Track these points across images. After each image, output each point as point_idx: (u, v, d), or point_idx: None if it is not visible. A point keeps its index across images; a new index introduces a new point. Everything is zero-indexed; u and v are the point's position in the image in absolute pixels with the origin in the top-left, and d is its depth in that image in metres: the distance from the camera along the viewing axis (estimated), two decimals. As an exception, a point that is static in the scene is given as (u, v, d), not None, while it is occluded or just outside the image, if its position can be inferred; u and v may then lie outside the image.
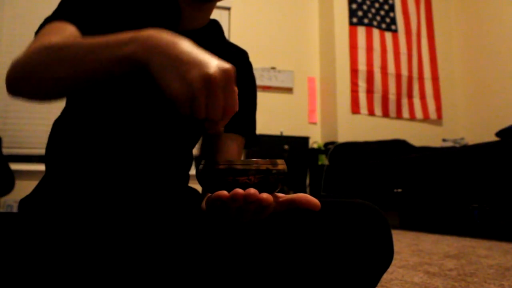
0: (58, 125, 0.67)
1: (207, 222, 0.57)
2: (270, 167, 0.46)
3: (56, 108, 3.41)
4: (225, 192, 0.43)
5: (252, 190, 0.42)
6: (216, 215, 0.48)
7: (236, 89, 0.45)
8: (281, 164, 0.48)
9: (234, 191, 0.42)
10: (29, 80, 0.52)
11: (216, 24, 0.77)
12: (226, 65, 0.44)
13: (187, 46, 0.45)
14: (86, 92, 0.64)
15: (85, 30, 0.63)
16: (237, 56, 0.80)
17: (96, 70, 0.49)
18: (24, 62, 0.53)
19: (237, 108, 0.46)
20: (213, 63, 0.44)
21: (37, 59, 0.52)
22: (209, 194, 0.48)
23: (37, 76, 0.52)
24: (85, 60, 0.49)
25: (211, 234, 0.56)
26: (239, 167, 0.45)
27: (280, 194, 0.49)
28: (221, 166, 0.45)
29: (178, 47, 0.45)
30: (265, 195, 0.42)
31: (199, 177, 0.48)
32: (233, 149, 0.74)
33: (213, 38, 0.76)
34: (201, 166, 0.48)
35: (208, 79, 0.42)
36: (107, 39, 0.49)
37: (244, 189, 0.43)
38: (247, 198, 0.42)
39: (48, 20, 0.62)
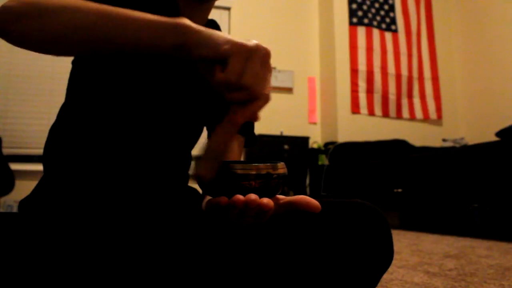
0: (57, 126, 0.67)
1: (207, 223, 0.57)
2: (270, 171, 0.45)
3: (56, 108, 3.41)
4: (224, 198, 0.42)
5: (253, 196, 0.42)
6: (216, 219, 0.48)
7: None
8: (281, 168, 0.47)
9: (234, 197, 0.42)
10: (40, 19, 0.44)
11: (214, 25, 0.77)
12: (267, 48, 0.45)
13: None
14: (86, 89, 0.64)
15: None
16: None
17: (137, 33, 0.44)
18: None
19: (270, 96, 0.45)
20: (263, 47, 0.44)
21: (53, 2, 0.45)
22: (209, 198, 0.48)
23: (53, 18, 0.44)
24: (125, 19, 0.44)
25: (211, 235, 0.56)
26: (240, 171, 0.44)
27: (280, 196, 0.49)
28: (222, 170, 0.45)
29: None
30: (265, 200, 0.42)
31: (199, 180, 0.48)
32: (233, 149, 0.74)
33: None
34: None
35: (261, 46, 0.43)
36: (145, 16, 0.45)
37: (244, 193, 0.43)
38: (248, 204, 0.41)
39: None
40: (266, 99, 0.44)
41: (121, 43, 0.45)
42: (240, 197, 0.42)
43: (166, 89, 0.66)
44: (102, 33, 0.44)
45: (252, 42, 0.43)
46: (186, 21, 0.45)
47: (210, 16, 0.77)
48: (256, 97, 0.43)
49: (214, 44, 0.43)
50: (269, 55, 0.44)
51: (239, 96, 0.42)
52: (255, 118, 0.44)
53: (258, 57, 0.42)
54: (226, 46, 0.42)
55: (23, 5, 0.45)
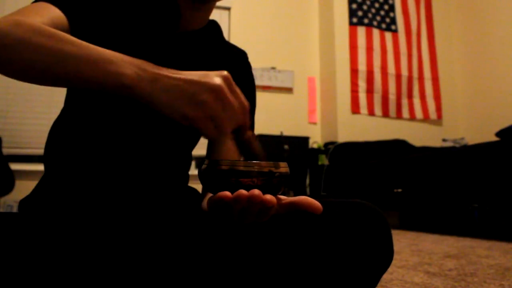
0: (56, 126, 0.67)
1: (207, 223, 0.57)
2: (272, 169, 0.46)
3: (56, 108, 3.41)
4: (228, 193, 0.43)
5: (256, 191, 0.42)
6: (218, 216, 0.48)
7: (238, 88, 0.46)
8: (283, 167, 0.47)
9: (238, 192, 0.42)
10: (6, 52, 0.46)
11: (215, 25, 0.77)
12: (222, 71, 0.45)
13: (179, 72, 0.45)
14: (83, 93, 0.64)
15: (74, 22, 0.59)
16: (236, 57, 0.80)
17: (81, 81, 0.46)
18: (6, 32, 0.47)
19: (247, 103, 0.47)
20: (212, 75, 0.45)
21: (15, 35, 0.46)
22: (211, 195, 0.48)
23: (16, 53, 0.46)
24: (74, 63, 0.45)
25: (211, 235, 0.56)
26: (242, 168, 0.44)
27: (282, 197, 0.49)
28: (224, 167, 0.45)
29: (173, 75, 0.45)
30: (268, 196, 0.42)
31: (201, 177, 0.48)
32: (234, 148, 0.74)
33: (212, 39, 0.76)
34: (204, 166, 0.48)
35: (217, 90, 0.43)
36: (96, 51, 0.46)
37: (247, 190, 0.43)
38: (251, 199, 0.42)
39: (37, 0, 0.58)
40: (246, 127, 0.48)
41: (72, 83, 0.47)
42: (244, 192, 0.42)
43: None
44: (53, 74, 0.46)
45: (214, 81, 0.44)
46: (127, 80, 0.44)
47: (211, 16, 0.77)
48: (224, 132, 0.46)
49: (166, 112, 0.45)
50: (228, 76, 0.45)
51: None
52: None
53: (228, 93, 0.44)
54: (178, 118, 0.44)
55: None
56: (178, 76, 0.45)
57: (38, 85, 0.51)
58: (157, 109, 0.45)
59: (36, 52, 0.46)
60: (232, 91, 0.45)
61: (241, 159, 0.52)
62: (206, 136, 0.46)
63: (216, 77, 0.44)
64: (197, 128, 0.44)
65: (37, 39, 0.46)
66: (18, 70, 0.47)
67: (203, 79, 0.44)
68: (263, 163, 0.46)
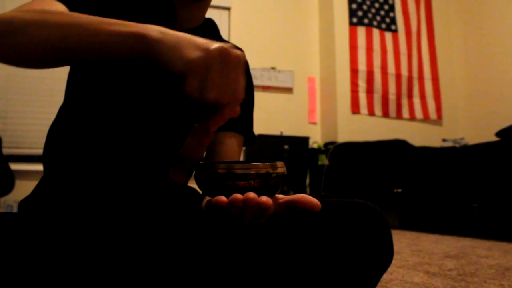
0: (55, 126, 0.67)
1: (207, 223, 0.57)
2: (270, 170, 0.45)
3: (56, 108, 3.41)
4: (223, 198, 0.42)
5: (252, 195, 0.42)
6: (216, 219, 0.48)
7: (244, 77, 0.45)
8: (280, 167, 0.47)
9: (233, 196, 0.42)
10: (13, 36, 0.46)
11: (211, 23, 0.77)
12: (238, 51, 0.44)
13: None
14: (82, 90, 0.64)
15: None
16: None
17: (100, 43, 0.46)
18: (11, 17, 0.47)
19: (242, 95, 0.46)
20: (228, 44, 0.44)
21: (28, 18, 0.47)
22: (208, 198, 0.48)
23: (25, 35, 0.46)
24: (90, 29, 0.45)
25: (211, 235, 0.56)
26: (239, 171, 0.44)
27: (280, 196, 0.49)
28: (221, 170, 0.44)
29: (189, 35, 0.45)
30: (264, 198, 0.42)
31: (198, 180, 0.48)
32: (233, 148, 0.74)
33: (209, 37, 0.76)
34: (200, 170, 0.47)
35: (224, 51, 0.43)
36: (112, 20, 0.46)
37: (243, 193, 0.43)
38: (247, 202, 0.41)
39: None
40: (233, 108, 0.45)
41: (86, 54, 0.47)
42: (239, 195, 0.42)
43: (161, 88, 0.66)
44: (66, 47, 0.46)
45: (214, 49, 0.43)
46: (148, 30, 0.45)
47: (211, 16, 0.77)
48: (222, 105, 0.44)
49: (170, 60, 0.44)
50: (241, 57, 0.44)
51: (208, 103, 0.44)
52: (232, 116, 0.46)
53: (217, 68, 0.43)
54: (179, 65, 0.43)
55: None
56: (196, 38, 0.45)
57: (53, 67, 0.51)
58: (173, 61, 0.43)
59: (50, 27, 0.46)
60: (237, 70, 0.44)
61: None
62: (187, 92, 0.44)
63: (230, 46, 0.44)
64: (186, 81, 0.43)
65: (47, 16, 0.47)
66: (33, 51, 0.47)
67: (218, 42, 0.44)
68: (260, 164, 0.45)
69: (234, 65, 0.44)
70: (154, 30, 0.45)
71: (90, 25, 0.46)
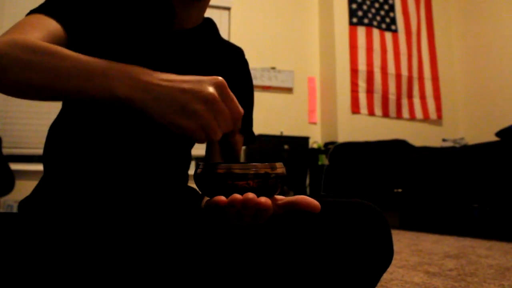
0: (55, 126, 0.67)
1: (207, 223, 0.57)
2: (269, 171, 0.45)
3: (56, 108, 3.41)
4: (223, 198, 0.43)
5: (250, 195, 0.42)
6: (215, 220, 0.48)
7: (232, 94, 0.46)
8: (279, 168, 0.47)
9: (232, 196, 0.42)
10: (3, 75, 0.48)
11: (210, 23, 0.77)
12: (216, 77, 0.45)
13: (172, 79, 0.46)
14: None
15: (70, 29, 0.60)
16: (232, 54, 0.80)
17: (75, 92, 0.47)
18: (1, 53, 0.49)
19: (241, 110, 0.47)
20: (205, 82, 0.45)
21: (16, 56, 0.48)
22: (207, 198, 0.48)
23: (11, 74, 0.48)
24: (66, 79, 0.47)
25: (211, 235, 0.56)
26: (238, 171, 0.44)
27: (279, 197, 0.49)
28: (220, 170, 0.44)
29: (165, 83, 0.45)
30: (263, 199, 0.42)
31: (197, 180, 0.48)
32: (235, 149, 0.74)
33: (208, 37, 0.76)
34: (199, 170, 0.47)
35: (210, 100, 0.44)
36: (89, 65, 0.47)
37: (242, 193, 0.43)
38: (246, 203, 0.41)
39: (32, 12, 0.59)
40: (235, 133, 0.48)
41: (65, 97, 0.48)
42: (238, 196, 0.42)
43: None
44: (49, 91, 0.48)
45: (207, 89, 0.44)
46: (115, 88, 0.45)
47: (211, 16, 0.77)
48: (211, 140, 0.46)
49: (152, 116, 0.45)
50: (222, 83, 0.45)
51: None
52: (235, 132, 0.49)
53: (220, 102, 0.44)
54: (165, 123, 0.45)
55: None
56: (170, 84, 0.45)
57: (38, 101, 0.52)
58: (151, 117, 0.45)
59: (33, 70, 0.47)
60: (225, 98, 0.45)
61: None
62: (197, 142, 0.47)
63: (209, 86, 0.44)
64: (189, 136, 0.45)
65: (33, 57, 0.48)
66: (17, 89, 0.49)
67: (196, 87, 0.44)
68: (259, 164, 0.45)
69: (221, 100, 0.45)
70: (122, 85, 0.45)
71: (67, 75, 0.47)
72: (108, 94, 0.45)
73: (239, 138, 0.76)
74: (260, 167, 0.45)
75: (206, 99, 0.43)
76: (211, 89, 0.44)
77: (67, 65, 0.47)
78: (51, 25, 0.58)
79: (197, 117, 0.44)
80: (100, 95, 0.46)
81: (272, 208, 0.46)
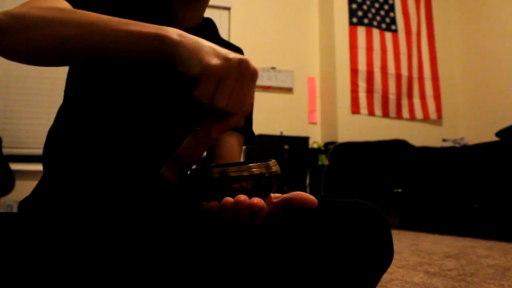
0: (55, 126, 0.67)
1: (206, 223, 0.57)
2: (263, 170, 0.45)
3: (56, 108, 3.41)
4: (215, 203, 0.43)
5: (242, 197, 0.41)
6: (212, 222, 0.48)
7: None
8: (273, 166, 0.47)
9: (224, 200, 0.42)
10: (25, 33, 0.46)
11: (210, 23, 0.77)
12: (255, 66, 0.45)
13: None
14: (82, 91, 0.64)
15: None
16: None
17: (119, 43, 0.45)
18: (22, 13, 0.46)
19: (250, 109, 0.45)
20: (246, 58, 0.44)
21: (43, 15, 0.46)
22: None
23: (40, 32, 0.45)
24: (108, 28, 0.45)
25: (210, 235, 0.56)
26: (232, 174, 0.44)
27: (276, 194, 0.49)
28: (215, 175, 0.44)
29: (209, 42, 0.45)
30: (256, 199, 0.42)
31: (192, 187, 0.47)
32: (234, 147, 0.74)
33: (208, 37, 0.76)
34: (193, 174, 0.47)
35: (243, 64, 0.43)
36: (129, 20, 0.46)
37: (235, 195, 0.43)
38: (238, 205, 0.41)
39: None
40: (238, 119, 0.45)
41: (103, 54, 0.46)
42: (229, 199, 0.42)
43: (163, 88, 0.66)
44: (84, 45, 0.46)
45: (234, 59, 0.43)
46: (168, 32, 0.45)
47: (211, 16, 0.77)
48: (229, 114, 0.44)
49: (188, 64, 0.43)
50: (256, 72, 0.44)
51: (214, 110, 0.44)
52: (236, 126, 0.45)
53: (232, 77, 0.42)
54: (196, 69, 0.43)
55: (9, 19, 0.46)
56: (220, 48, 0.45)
57: (60, 66, 0.50)
58: (188, 67, 0.43)
59: (67, 26, 0.45)
60: (251, 83, 0.44)
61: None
62: (197, 96, 0.43)
63: (249, 59, 0.44)
64: (199, 86, 0.42)
65: (63, 15, 0.46)
66: (47, 49, 0.46)
67: (246, 60, 0.44)
68: (253, 165, 0.45)
69: (249, 78, 0.44)
70: (174, 32, 0.45)
71: (109, 24, 0.45)
72: (158, 34, 0.44)
73: (239, 138, 0.76)
74: (254, 168, 0.45)
75: (244, 61, 0.43)
76: (249, 61, 0.44)
77: (104, 18, 0.46)
78: (63, 5, 0.56)
79: (225, 62, 0.42)
80: (147, 36, 0.44)
81: (265, 208, 0.45)
